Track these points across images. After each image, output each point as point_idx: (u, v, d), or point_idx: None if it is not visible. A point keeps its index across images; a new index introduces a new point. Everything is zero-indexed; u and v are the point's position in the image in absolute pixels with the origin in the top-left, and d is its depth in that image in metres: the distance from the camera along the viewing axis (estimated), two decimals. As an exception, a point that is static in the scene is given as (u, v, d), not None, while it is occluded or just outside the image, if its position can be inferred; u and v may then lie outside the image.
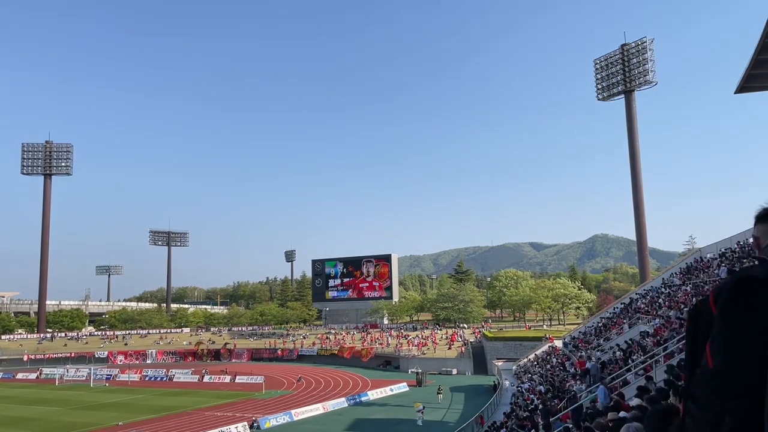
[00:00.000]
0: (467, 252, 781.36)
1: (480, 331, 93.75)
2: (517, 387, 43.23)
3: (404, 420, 46.23)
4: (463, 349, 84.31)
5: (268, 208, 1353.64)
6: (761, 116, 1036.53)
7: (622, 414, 9.97)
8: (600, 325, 49.36)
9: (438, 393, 56.13)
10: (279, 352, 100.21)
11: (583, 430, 9.57)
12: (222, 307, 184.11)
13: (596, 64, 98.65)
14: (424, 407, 46.15)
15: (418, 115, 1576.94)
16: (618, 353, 28.45)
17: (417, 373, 70.15)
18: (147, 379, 78.50)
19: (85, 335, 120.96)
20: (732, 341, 1.94)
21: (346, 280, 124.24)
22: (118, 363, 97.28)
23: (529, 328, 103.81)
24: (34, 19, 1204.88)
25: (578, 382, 26.14)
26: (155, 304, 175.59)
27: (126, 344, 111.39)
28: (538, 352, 59.61)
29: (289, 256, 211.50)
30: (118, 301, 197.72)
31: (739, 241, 37.71)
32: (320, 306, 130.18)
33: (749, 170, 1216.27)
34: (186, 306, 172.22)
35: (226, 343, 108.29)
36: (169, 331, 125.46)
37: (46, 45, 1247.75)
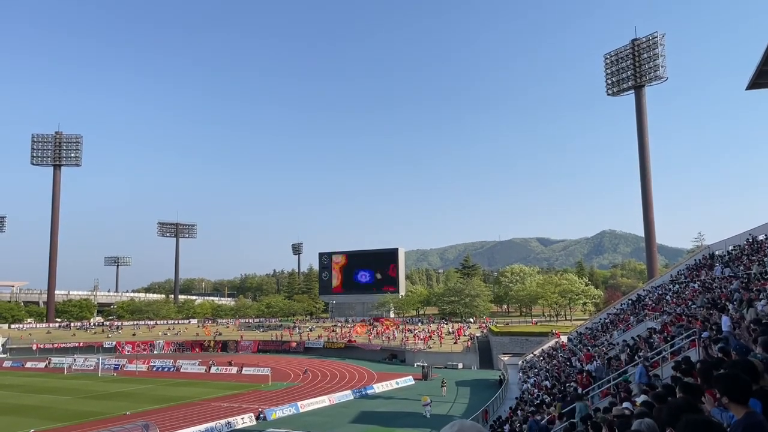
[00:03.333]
0: (474, 247, 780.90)
1: (486, 326, 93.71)
2: (522, 382, 43.24)
3: (410, 413, 46.32)
4: (469, 343, 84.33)
5: (276, 201, 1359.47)
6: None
7: (626, 405, 9.95)
8: (607, 321, 49.23)
9: (442, 386, 56.14)
10: (294, 343, 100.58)
11: (591, 425, 9.57)
12: (229, 299, 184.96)
13: (606, 59, 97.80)
14: (431, 401, 46.28)
15: (426, 115, 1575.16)
16: (624, 349, 28.37)
17: (423, 366, 70.23)
18: (154, 369, 78.97)
19: (94, 325, 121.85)
20: None
21: (353, 273, 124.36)
22: (126, 353, 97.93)
23: (536, 323, 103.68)
24: (45, 11, 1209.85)
25: (577, 384, 25.13)
26: (163, 296, 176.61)
27: (134, 335, 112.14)
28: (544, 347, 59.56)
29: (297, 249, 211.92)
30: (126, 291, 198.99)
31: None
32: (327, 299, 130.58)
33: (759, 167, 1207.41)
34: (193, 297, 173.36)
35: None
36: (176, 322, 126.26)
37: (56, 37, 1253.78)
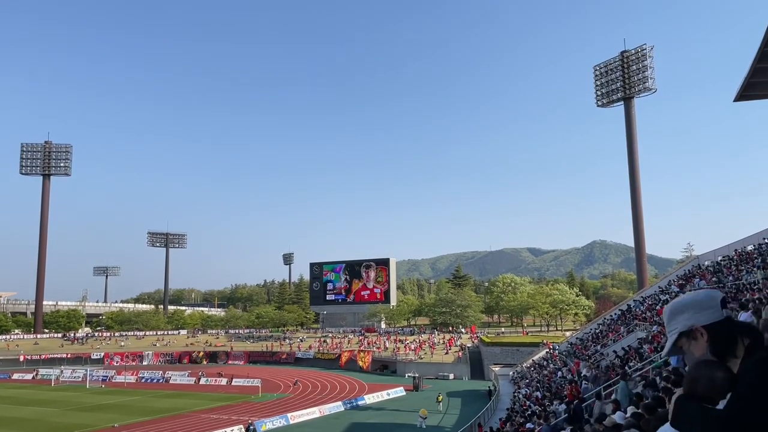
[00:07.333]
0: (465, 257, 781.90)
1: (477, 336, 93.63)
2: (513, 392, 43.15)
3: (401, 425, 46.10)
4: (460, 353, 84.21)
5: (266, 210, 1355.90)
6: (760, 124, 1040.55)
7: (617, 416, 9.95)
8: (597, 331, 49.34)
9: (437, 402, 55.02)
10: (285, 355, 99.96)
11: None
12: (219, 310, 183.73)
13: (596, 70, 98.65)
14: (427, 416, 45.37)
15: (417, 119, 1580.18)
16: (615, 360, 28.42)
17: (414, 377, 69.98)
18: (143, 380, 78.25)
19: (82, 336, 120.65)
20: None
21: (344, 283, 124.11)
22: (115, 364, 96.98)
23: (527, 333, 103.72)
24: (34, 21, 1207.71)
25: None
26: (152, 306, 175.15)
27: (122, 345, 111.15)
28: (535, 358, 59.55)
29: (287, 259, 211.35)
30: (116, 302, 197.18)
31: (736, 249, 37.72)
32: (318, 309, 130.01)
33: (748, 178, 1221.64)
34: (183, 308, 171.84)
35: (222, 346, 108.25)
36: (166, 332, 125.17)
37: (46, 46, 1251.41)
